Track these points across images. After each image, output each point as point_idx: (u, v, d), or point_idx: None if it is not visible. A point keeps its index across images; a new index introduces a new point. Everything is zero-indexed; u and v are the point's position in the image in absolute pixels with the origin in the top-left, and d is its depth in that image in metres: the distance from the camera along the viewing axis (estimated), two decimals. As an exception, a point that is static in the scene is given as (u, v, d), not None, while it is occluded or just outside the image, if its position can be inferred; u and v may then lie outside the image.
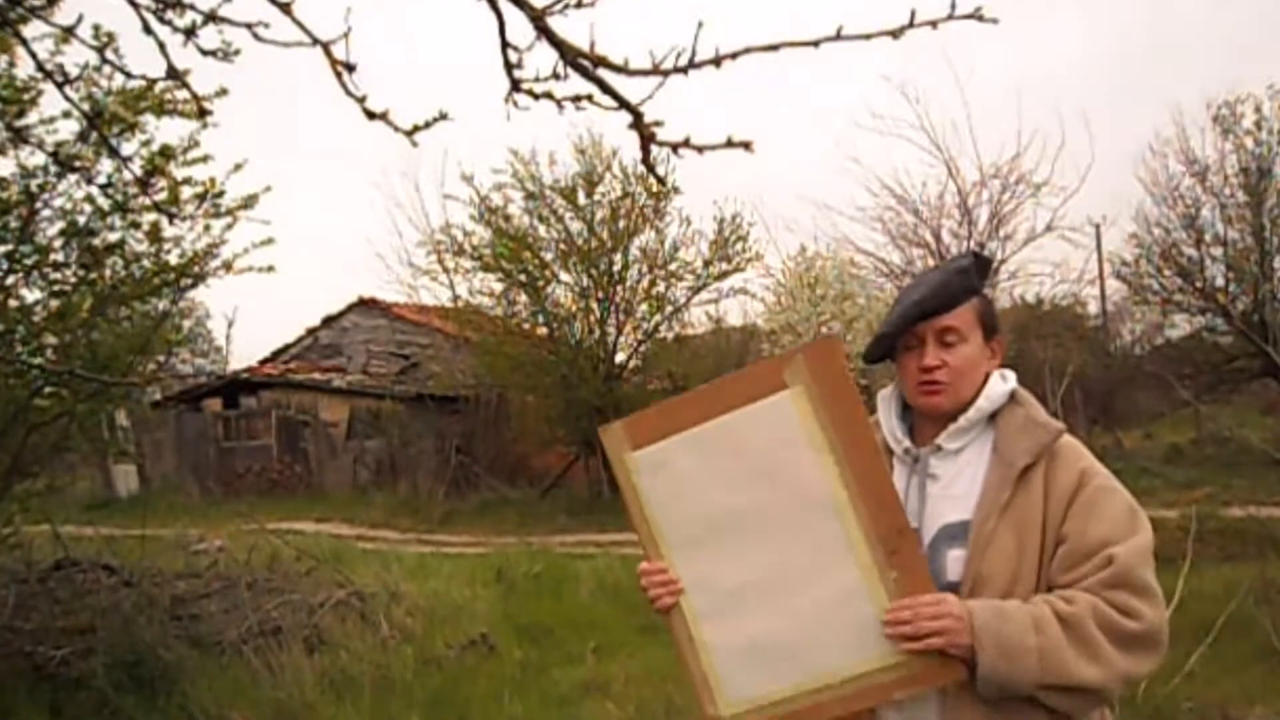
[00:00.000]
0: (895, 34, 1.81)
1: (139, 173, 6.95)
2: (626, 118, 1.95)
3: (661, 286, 20.62)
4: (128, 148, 7.03)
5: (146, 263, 8.12)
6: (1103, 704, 2.11)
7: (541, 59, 1.96)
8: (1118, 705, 5.76)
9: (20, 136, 6.49)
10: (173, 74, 2.47)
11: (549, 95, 1.98)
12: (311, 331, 28.42)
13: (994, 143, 41.52)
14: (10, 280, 7.75)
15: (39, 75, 6.22)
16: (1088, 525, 2.05)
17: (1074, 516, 2.07)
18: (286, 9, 2.11)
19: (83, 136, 6.84)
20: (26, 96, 6.71)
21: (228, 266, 8.26)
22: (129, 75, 2.89)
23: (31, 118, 6.79)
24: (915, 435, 2.30)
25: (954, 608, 1.98)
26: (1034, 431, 2.15)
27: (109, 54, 2.90)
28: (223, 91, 5.38)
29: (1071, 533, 2.06)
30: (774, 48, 1.85)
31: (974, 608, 1.99)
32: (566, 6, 1.92)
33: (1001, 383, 2.24)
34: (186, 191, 7.46)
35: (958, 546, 2.10)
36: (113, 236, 7.89)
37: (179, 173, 7.40)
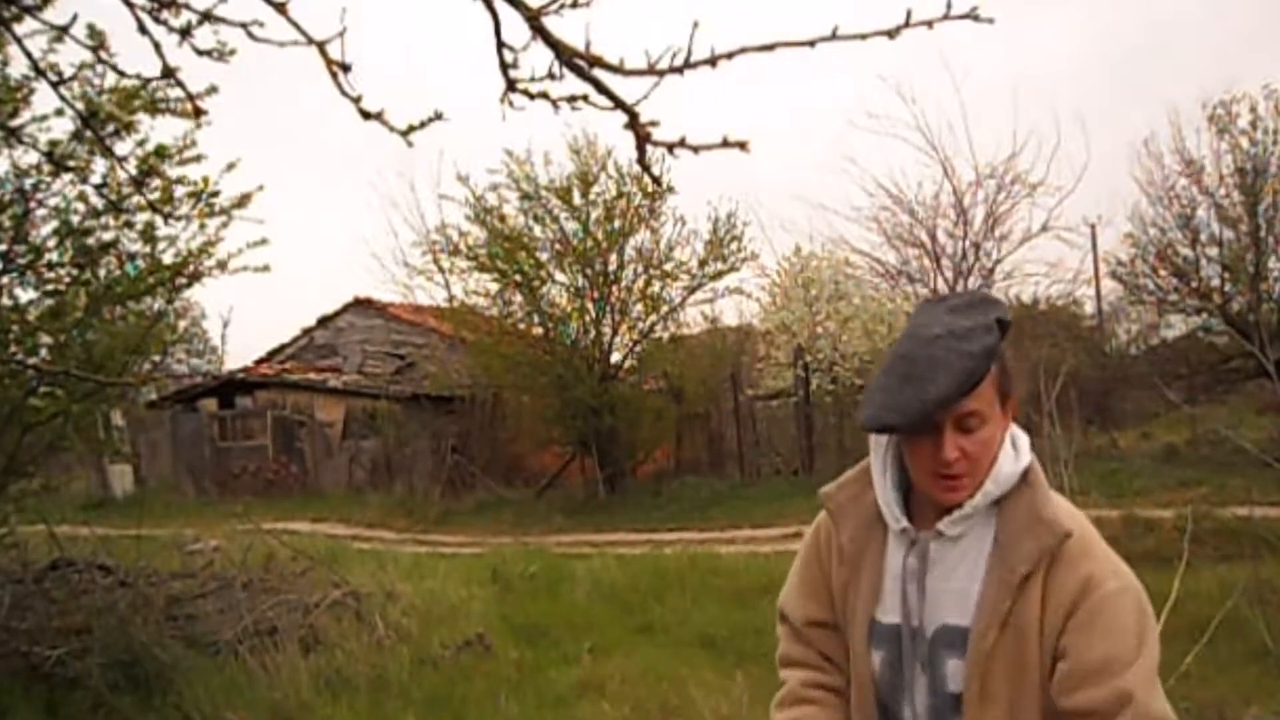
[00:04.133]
0: (891, 34, 1.81)
1: (134, 172, 6.94)
2: (622, 118, 1.95)
3: (657, 286, 20.67)
4: (122, 147, 7.02)
5: (140, 262, 8.11)
6: None
7: (537, 59, 1.95)
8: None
9: (14, 135, 6.48)
10: (168, 74, 2.46)
11: (544, 95, 1.98)
12: (307, 331, 28.41)
13: (990, 143, 41.41)
14: (4, 280, 7.74)
15: (32, 74, 6.22)
16: (1091, 640, 1.89)
17: (1074, 630, 1.91)
18: (282, 9, 2.10)
19: (77, 135, 6.84)
20: (20, 95, 6.70)
21: (222, 266, 8.25)
22: (123, 74, 2.88)
23: (25, 116, 6.79)
24: (911, 510, 2.11)
25: None
26: (1038, 533, 1.95)
27: (102, 53, 2.90)
28: (213, 89, 5.37)
29: (1071, 648, 1.91)
30: (770, 48, 1.85)
31: None
32: (562, 6, 1.92)
33: (1012, 461, 2.03)
34: (180, 191, 7.45)
35: (956, 655, 1.98)
36: (106, 236, 7.89)
37: (173, 172, 7.40)
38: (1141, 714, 1.84)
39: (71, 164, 6.87)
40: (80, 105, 6.25)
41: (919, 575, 2.04)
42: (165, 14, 2.30)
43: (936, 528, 2.03)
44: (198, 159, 7.51)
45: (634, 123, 1.95)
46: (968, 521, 2.01)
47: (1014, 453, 2.05)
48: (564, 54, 1.91)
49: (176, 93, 6.80)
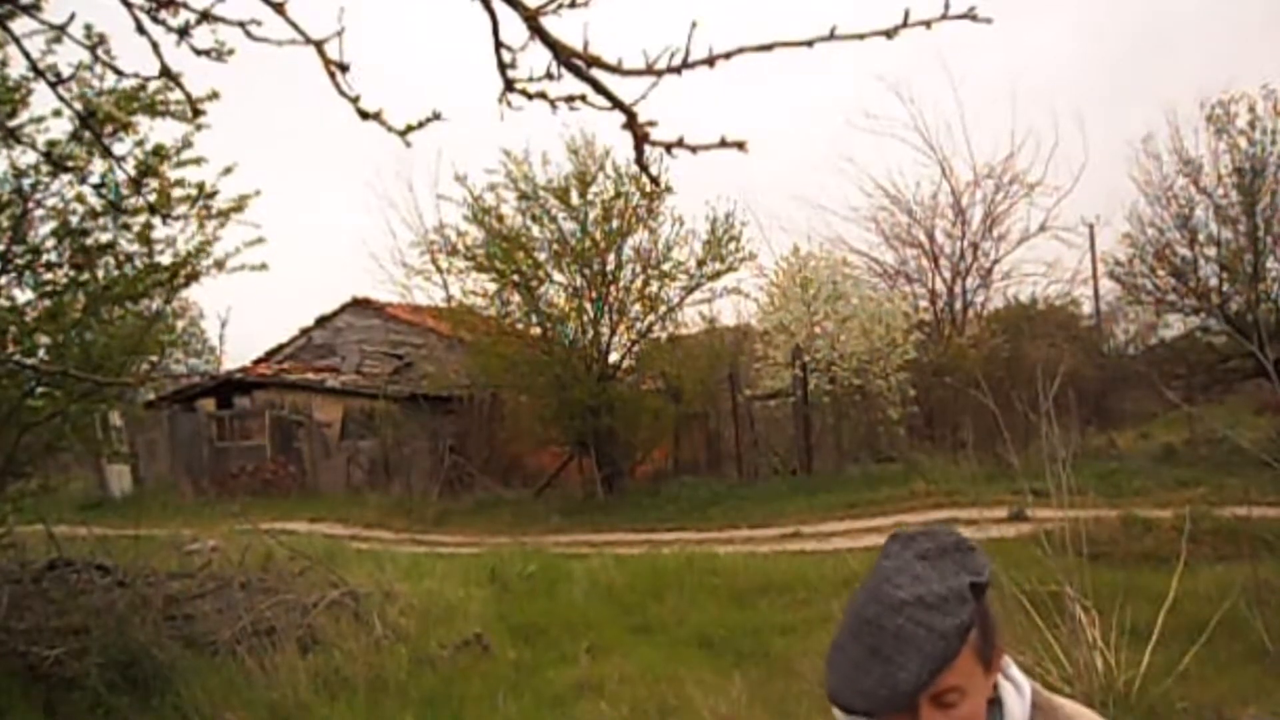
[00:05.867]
0: (889, 34, 1.81)
1: (132, 173, 6.94)
2: (620, 118, 1.95)
3: (655, 286, 20.65)
4: (120, 148, 7.02)
5: (138, 263, 8.12)
6: None
7: (535, 59, 1.95)
8: (1112, 705, 5.78)
9: (13, 135, 6.48)
10: (166, 73, 2.46)
11: (543, 95, 1.98)
12: (305, 331, 28.40)
13: (988, 143, 41.53)
14: (2, 280, 7.74)
15: (30, 74, 6.22)
16: None
17: None
18: (280, 8, 2.10)
19: (75, 136, 6.84)
20: (18, 95, 6.71)
21: (220, 266, 8.25)
22: (121, 74, 2.88)
23: (23, 116, 6.79)
24: None
25: None
26: None
27: (100, 53, 2.90)
28: (214, 95, 5.38)
29: None
30: (768, 47, 1.85)
31: None
32: (560, 6, 1.92)
33: (1018, 699, 1.88)
34: (178, 192, 7.46)
35: None
36: (104, 236, 7.89)
37: (172, 174, 7.41)
38: None
39: (70, 164, 6.87)
40: (79, 105, 6.26)
41: None
42: (163, 13, 2.30)
43: None
44: (196, 161, 7.52)
45: (632, 123, 1.95)
46: None
47: (1013, 687, 1.90)
48: (562, 54, 1.91)
49: (175, 94, 6.82)
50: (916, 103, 28.43)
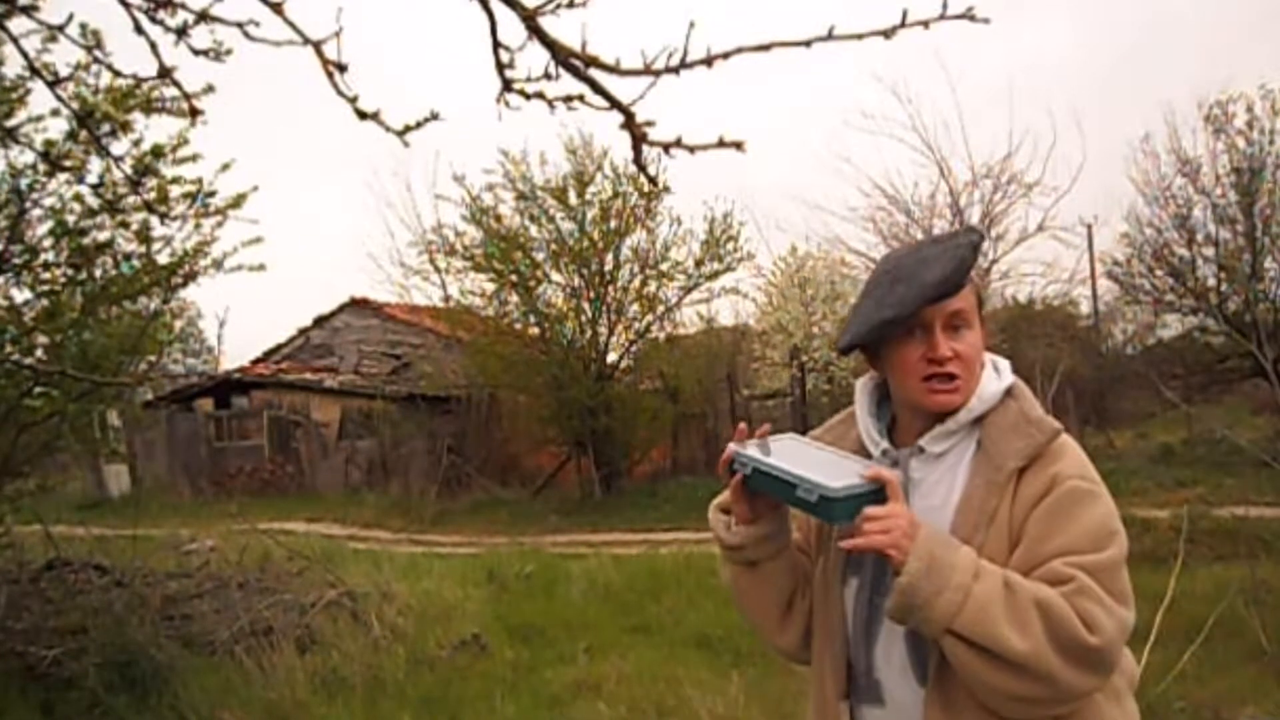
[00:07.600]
0: (887, 34, 1.81)
1: (129, 172, 6.93)
2: (618, 118, 1.95)
3: (653, 286, 20.64)
4: (118, 147, 7.00)
5: (136, 262, 8.10)
6: (1025, 705, 1.80)
7: (533, 59, 1.95)
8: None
9: (10, 135, 6.47)
10: (164, 73, 2.46)
11: (541, 95, 1.98)
12: (303, 331, 28.38)
13: (986, 142, 41.40)
14: (0, 280, 7.73)
15: (27, 74, 6.21)
16: (1049, 532, 1.84)
17: (1036, 521, 1.85)
18: (278, 9, 2.10)
19: (72, 135, 6.83)
20: (15, 95, 6.69)
21: (217, 265, 8.24)
22: (119, 74, 2.88)
23: (20, 116, 6.77)
24: (894, 434, 2.08)
25: (905, 515, 1.82)
26: (1028, 431, 1.91)
27: (98, 53, 2.89)
28: (209, 89, 5.36)
29: (1027, 536, 1.85)
30: (765, 47, 1.85)
31: (923, 523, 1.82)
32: (558, 6, 1.92)
33: (995, 379, 2.00)
34: (176, 191, 7.44)
35: None
36: (102, 236, 7.87)
37: (169, 172, 7.39)
38: (1086, 586, 1.75)
39: (67, 164, 6.86)
40: (76, 105, 6.24)
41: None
42: (161, 13, 2.30)
43: (918, 444, 1.99)
44: (193, 158, 7.50)
45: (630, 123, 1.95)
46: (951, 438, 1.98)
47: (995, 374, 2.03)
48: (560, 54, 1.91)
49: (172, 92, 6.79)
50: (914, 102, 28.38)
